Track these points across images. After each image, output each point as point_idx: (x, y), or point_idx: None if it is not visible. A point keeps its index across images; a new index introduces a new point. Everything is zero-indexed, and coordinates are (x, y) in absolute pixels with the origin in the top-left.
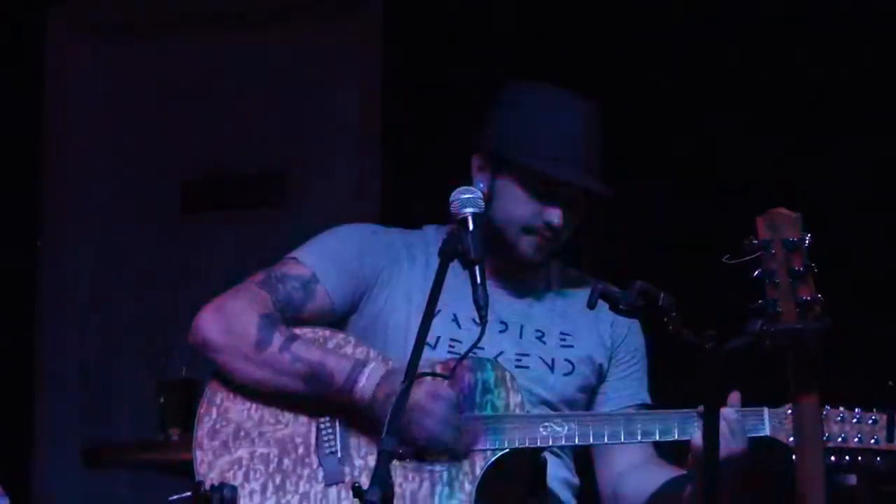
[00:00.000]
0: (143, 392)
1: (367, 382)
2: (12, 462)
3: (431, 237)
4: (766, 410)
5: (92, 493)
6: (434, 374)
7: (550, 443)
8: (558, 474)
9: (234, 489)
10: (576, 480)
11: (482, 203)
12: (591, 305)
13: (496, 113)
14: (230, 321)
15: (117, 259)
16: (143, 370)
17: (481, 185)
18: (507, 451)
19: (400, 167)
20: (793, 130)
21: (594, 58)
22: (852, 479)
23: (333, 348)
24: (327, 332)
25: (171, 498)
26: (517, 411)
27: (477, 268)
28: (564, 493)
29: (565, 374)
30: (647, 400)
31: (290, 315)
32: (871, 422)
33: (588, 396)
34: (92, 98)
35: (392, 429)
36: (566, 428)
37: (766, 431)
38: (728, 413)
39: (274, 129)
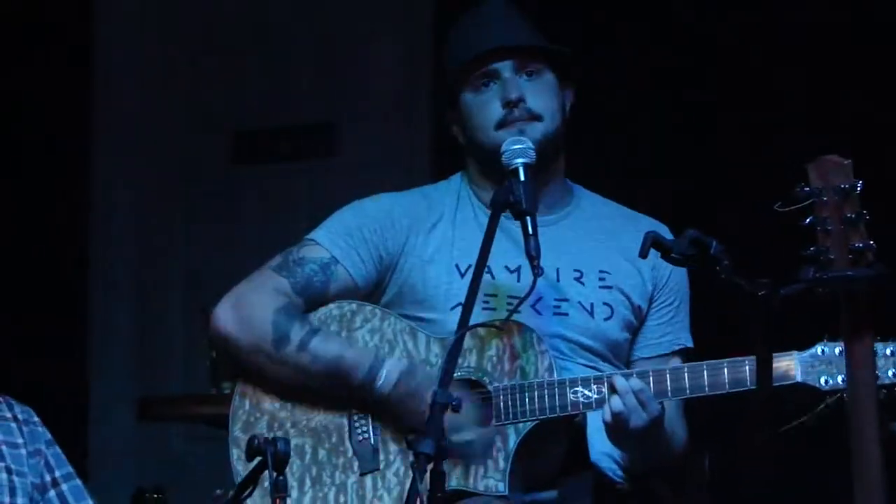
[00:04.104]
0: (195, 346)
1: (385, 381)
2: (69, 414)
3: (455, 185)
4: (795, 355)
5: (145, 444)
6: (487, 325)
7: (579, 409)
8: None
9: (287, 442)
10: None
11: (533, 154)
12: (644, 255)
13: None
14: (247, 316)
15: (168, 212)
16: (195, 324)
17: (456, 130)
18: (536, 421)
19: None
20: (848, 78)
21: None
22: None
23: (360, 325)
24: (354, 306)
25: (216, 491)
26: (546, 376)
27: (528, 218)
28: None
29: (606, 319)
30: (689, 342)
31: (312, 298)
32: None
33: (631, 336)
34: (142, 50)
35: (445, 381)
36: (596, 391)
37: (798, 378)
38: (636, 382)
39: (325, 80)
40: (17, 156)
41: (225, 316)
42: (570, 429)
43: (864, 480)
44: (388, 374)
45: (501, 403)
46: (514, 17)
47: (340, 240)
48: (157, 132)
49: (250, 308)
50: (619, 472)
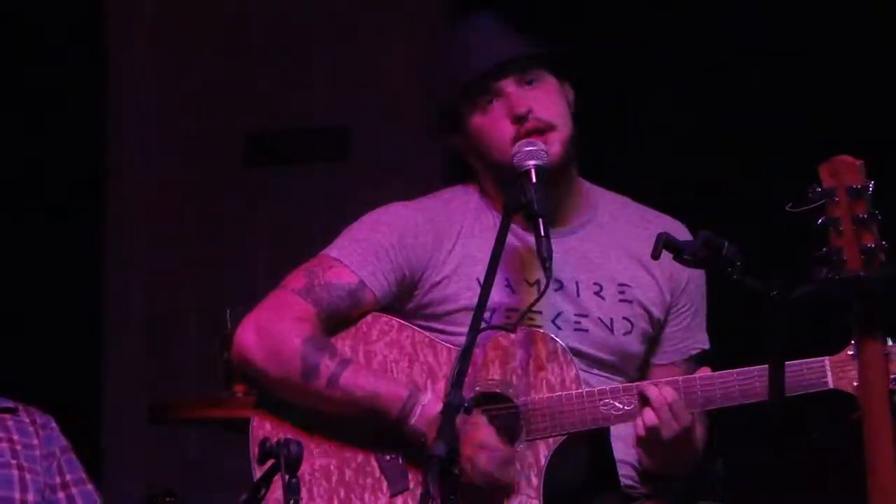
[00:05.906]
0: (209, 348)
1: (419, 419)
2: (81, 418)
3: (473, 198)
4: (826, 361)
5: (158, 448)
6: (496, 327)
7: (611, 422)
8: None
9: (299, 444)
10: None
11: (545, 155)
12: (656, 256)
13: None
14: (274, 345)
15: (181, 214)
16: (207, 325)
17: (468, 156)
18: (565, 435)
19: None
20: (856, 78)
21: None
22: None
23: (376, 338)
24: (369, 318)
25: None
26: (573, 387)
27: (541, 220)
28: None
29: (625, 334)
30: (706, 344)
31: (336, 321)
32: None
33: (648, 346)
34: (155, 51)
35: (458, 383)
36: (625, 403)
37: (830, 384)
38: (669, 393)
39: (338, 83)
40: (31, 157)
41: (251, 344)
42: (593, 436)
43: (878, 481)
44: (422, 413)
45: (531, 418)
46: (500, 27)
47: (368, 262)
48: (170, 135)
49: (277, 337)
50: (636, 478)
